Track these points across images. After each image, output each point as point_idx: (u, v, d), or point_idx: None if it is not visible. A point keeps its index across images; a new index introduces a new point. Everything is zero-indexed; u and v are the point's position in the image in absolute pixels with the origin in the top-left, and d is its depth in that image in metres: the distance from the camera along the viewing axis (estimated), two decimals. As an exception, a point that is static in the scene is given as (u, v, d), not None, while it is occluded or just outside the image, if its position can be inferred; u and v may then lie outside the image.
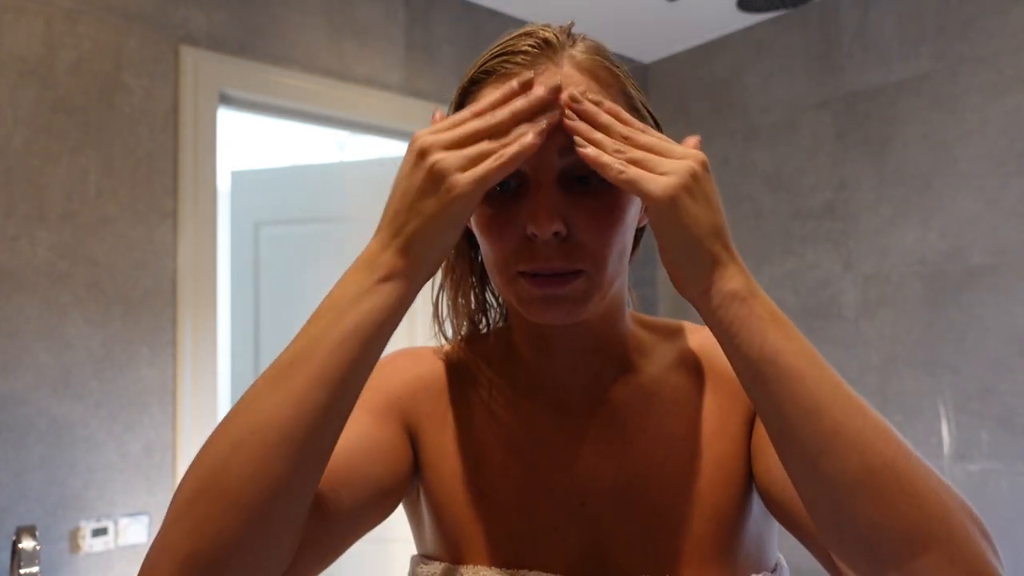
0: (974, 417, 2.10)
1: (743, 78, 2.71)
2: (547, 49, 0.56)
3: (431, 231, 0.50)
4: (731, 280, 0.49)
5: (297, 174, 2.63)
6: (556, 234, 0.52)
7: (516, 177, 0.54)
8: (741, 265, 0.50)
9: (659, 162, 0.49)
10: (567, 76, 0.54)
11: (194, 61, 1.85)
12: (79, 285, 1.66)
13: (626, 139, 0.51)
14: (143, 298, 1.74)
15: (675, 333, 0.66)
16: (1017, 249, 2.04)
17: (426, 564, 0.61)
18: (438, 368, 0.67)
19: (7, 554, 1.46)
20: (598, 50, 0.58)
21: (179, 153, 1.82)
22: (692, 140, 0.54)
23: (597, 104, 0.52)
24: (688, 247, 0.49)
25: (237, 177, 2.65)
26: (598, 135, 0.51)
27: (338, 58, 2.14)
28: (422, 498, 0.63)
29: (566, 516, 0.58)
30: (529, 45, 0.56)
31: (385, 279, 0.50)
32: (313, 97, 2.08)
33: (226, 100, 1.97)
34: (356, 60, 2.18)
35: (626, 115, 0.53)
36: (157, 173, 1.79)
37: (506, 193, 0.55)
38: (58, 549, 1.59)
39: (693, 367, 0.63)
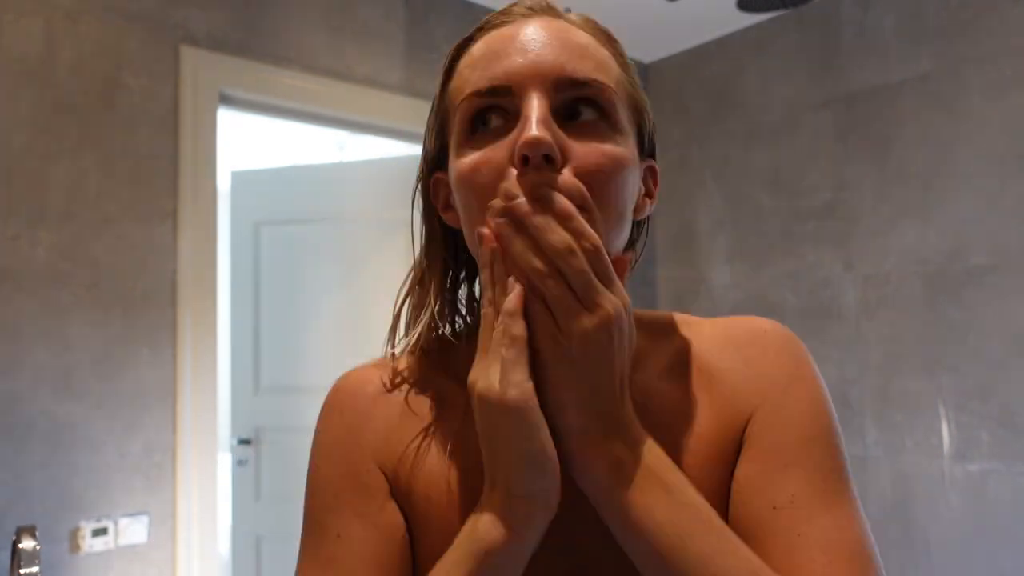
0: (974, 417, 2.10)
1: (743, 78, 2.71)
2: (548, 9, 0.55)
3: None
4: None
5: (297, 174, 2.63)
6: (548, 159, 0.47)
7: (499, 112, 0.51)
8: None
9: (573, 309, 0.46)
10: (568, 24, 0.54)
11: (194, 61, 1.85)
12: (79, 285, 1.66)
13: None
14: (143, 298, 1.74)
15: (665, 330, 0.60)
16: (1017, 249, 2.04)
17: None
18: (397, 398, 0.60)
19: (7, 554, 1.46)
20: (604, 29, 0.58)
21: (179, 153, 1.82)
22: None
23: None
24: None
25: (237, 177, 2.65)
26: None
27: (338, 58, 2.14)
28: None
29: (551, 540, 0.53)
30: (525, 7, 0.55)
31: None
32: (313, 97, 2.08)
33: (226, 100, 1.97)
34: (356, 60, 2.18)
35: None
36: (157, 173, 1.79)
37: (488, 133, 0.51)
38: (58, 549, 1.59)
39: (684, 371, 0.57)
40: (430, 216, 0.61)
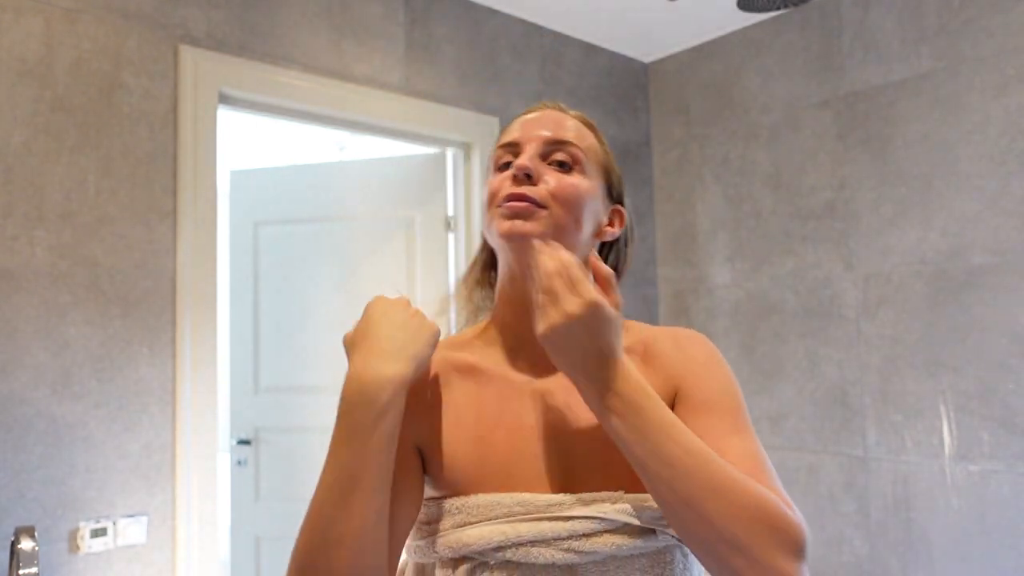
0: (975, 417, 2.10)
1: (743, 78, 2.71)
2: (557, 107, 0.86)
3: None
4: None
5: (297, 174, 2.63)
6: (528, 175, 0.77)
7: (512, 157, 0.81)
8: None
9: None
10: (566, 115, 0.84)
11: (193, 61, 1.85)
12: (78, 285, 1.65)
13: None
14: (142, 298, 1.74)
15: (625, 329, 0.84)
16: (1018, 249, 2.04)
17: (432, 503, 0.76)
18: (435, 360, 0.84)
19: (6, 555, 1.45)
20: (589, 120, 0.87)
21: (178, 153, 1.81)
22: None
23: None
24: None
25: (236, 177, 2.65)
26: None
27: (338, 58, 2.13)
28: (422, 456, 0.79)
29: (545, 447, 0.76)
30: (544, 104, 0.87)
31: None
32: (313, 97, 2.08)
33: (226, 100, 1.96)
34: (356, 60, 2.17)
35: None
36: (157, 173, 1.78)
37: (503, 169, 0.81)
38: (57, 549, 1.59)
39: (637, 352, 0.81)
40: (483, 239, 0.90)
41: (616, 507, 0.71)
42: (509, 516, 0.71)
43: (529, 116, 0.84)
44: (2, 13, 1.60)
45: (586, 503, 0.72)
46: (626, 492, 0.73)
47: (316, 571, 0.64)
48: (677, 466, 0.64)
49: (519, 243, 0.76)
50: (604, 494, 0.72)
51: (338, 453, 0.66)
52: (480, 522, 0.72)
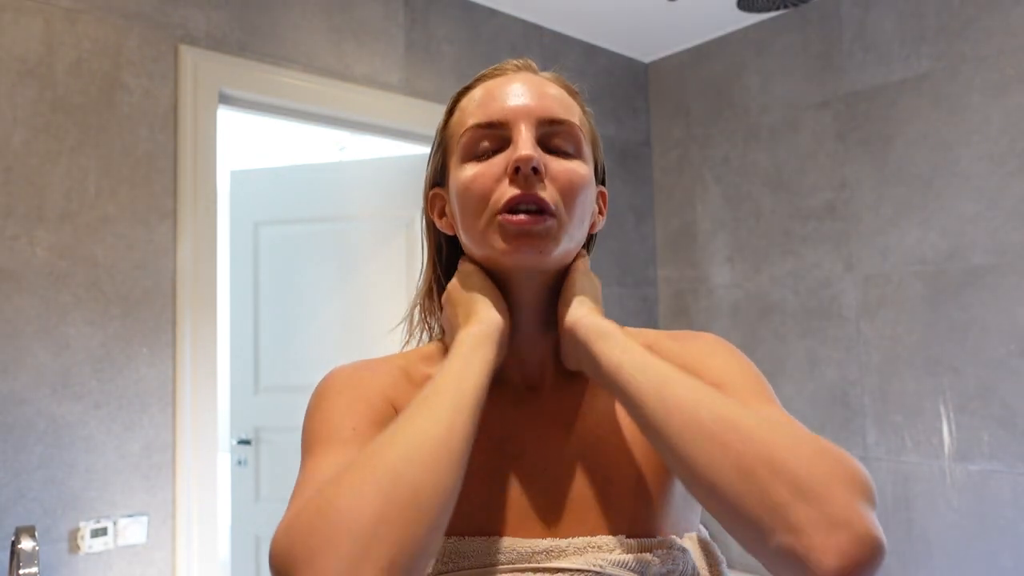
0: (975, 417, 2.10)
1: (743, 78, 2.71)
2: (530, 67, 0.72)
3: None
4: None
5: (297, 174, 2.63)
6: (535, 170, 0.63)
7: (493, 140, 0.66)
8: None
9: None
10: (543, 79, 0.70)
11: (193, 61, 1.85)
12: (79, 285, 1.65)
13: None
14: (143, 298, 1.74)
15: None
16: (1018, 249, 2.04)
17: None
18: (395, 369, 0.71)
19: (6, 554, 1.45)
20: (567, 83, 0.74)
21: (179, 153, 1.81)
22: None
23: None
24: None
25: (236, 177, 2.65)
26: None
27: (338, 58, 2.13)
28: None
29: (529, 481, 0.66)
30: (513, 64, 0.71)
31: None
32: (313, 97, 2.08)
33: (226, 100, 1.96)
34: (356, 60, 2.17)
35: None
36: (157, 173, 1.78)
37: (484, 155, 0.67)
38: (57, 549, 1.59)
39: None
40: (432, 230, 0.76)
41: (614, 557, 0.60)
42: (487, 565, 0.61)
43: (503, 84, 0.69)
44: (2, 13, 1.60)
45: (579, 551, 0.61)
46: (627, 536, 0.62)
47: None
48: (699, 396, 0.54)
49: (533, 270, 0.67)
50: (600, 539, 0.62)
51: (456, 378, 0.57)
52: (453, 572, 0.60)
